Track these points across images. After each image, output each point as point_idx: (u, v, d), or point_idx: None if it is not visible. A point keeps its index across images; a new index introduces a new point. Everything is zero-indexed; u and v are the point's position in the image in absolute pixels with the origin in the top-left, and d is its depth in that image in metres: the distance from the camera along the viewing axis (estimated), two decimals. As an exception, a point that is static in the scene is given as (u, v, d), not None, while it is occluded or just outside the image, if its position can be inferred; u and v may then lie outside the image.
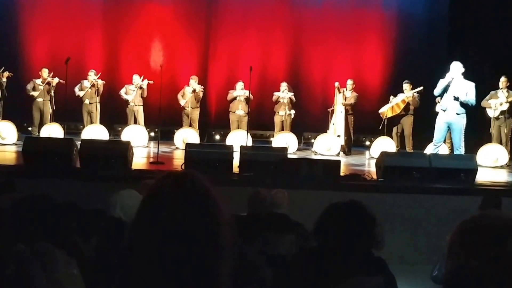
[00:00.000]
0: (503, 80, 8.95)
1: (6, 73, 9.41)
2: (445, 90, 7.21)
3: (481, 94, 9.18)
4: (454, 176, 6.47)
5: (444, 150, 8.45)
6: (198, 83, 10.13)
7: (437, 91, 7.34)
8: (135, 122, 9.92)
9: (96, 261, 2.28)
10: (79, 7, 11.12)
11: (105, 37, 11.25)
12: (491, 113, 9.00)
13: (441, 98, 7.42)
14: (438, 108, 7.85)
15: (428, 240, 5.67)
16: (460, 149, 7.34)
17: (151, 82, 9.78)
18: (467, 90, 7.17)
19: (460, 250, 1.19)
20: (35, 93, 9.60)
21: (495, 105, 8.93)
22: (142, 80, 9.86)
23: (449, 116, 7.29)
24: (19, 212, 1.99)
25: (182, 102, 9.98)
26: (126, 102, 9.93)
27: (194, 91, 9.93)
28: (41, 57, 10.79)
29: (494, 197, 4.63)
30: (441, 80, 7.33)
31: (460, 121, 7.26)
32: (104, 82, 9.97)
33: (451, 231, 1.24)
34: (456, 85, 7.17)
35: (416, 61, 10.70)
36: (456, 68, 7.21)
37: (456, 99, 7.17)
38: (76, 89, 9.81)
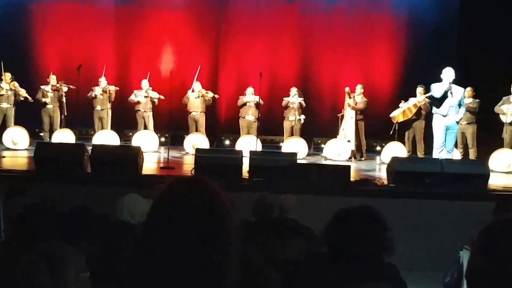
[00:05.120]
0: (515, 85, 8.88)
1: (15, 83, 9.50)
2: (445, 95, 7.35)
3: (492, 100, 9.14)
4: (466, 182, 6.41)
5: (455, 155, 8.41)
6: (209, 89, 10.19)
7: (438, 95, 7.42)
8: (145, 127, 9.97)
9: (105, 263, 2.29)
10: (91, 14, 11.22)
11: (116, 44, 11.34)
12: (504, 118, 8.93)
13: (439, 103, 7.48)
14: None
15: (440, 246, 5.60)
16: (452, 153, 7.64)
17: (162, 97, 9.80)
18: (461, 96, 7.55)
19: (487, 250, 1.22)
20: (47, 100, 9.68)
21: (507, 110, 8.87)
22: (151, 87, 9.94)
23: (449, 120, 7.44)
24: (29, 217, 2.01)
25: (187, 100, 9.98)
26: (136, 108, 9.97)
27: (202, 96, 9.95)
28: (53, 64, 10.89)
29: (508, 203, 4.58)
30: (435, 84, 7.50)
31: (456, 126, 7.64)
32: (118, 89, 10.03)
33: (471, 233, 1.30)
34: (454, 91, 7.41)
35: (426, 66, 10.64)
36: (451, 73, 7.38)
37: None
38: (90, 94, 9.92)
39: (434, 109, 7.60)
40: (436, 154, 7.56)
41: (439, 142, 7.51)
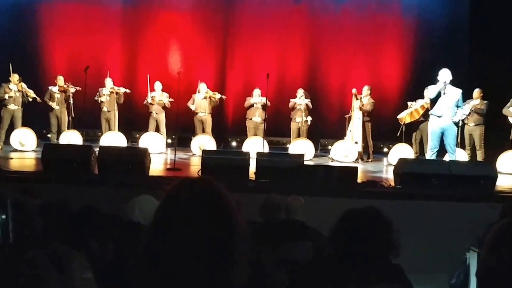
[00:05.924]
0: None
1: (23, 84, 9.53)
2: (438, 95, 7.37)
3: (502, 101, 9.08)
4: (474, 183, 6.38)
5: (463, 156, 8.37)
6: (216, 91, 10.20)
7: (432, 95, 7.48)
8: (157, 129, 9.97)
9: (114, 264, 2.30)
10: (98, 15, 11.27)
11: (124, 45, 11.38)
12: (512, 120, 8.89)
13: (432, 104, 7.55)
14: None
15: (447, 247, 5.58)
16: (455, 154, 7.59)
17: (172, 100, 9.81)
18: (458, 97, 7.49)
19: (500, 249, 1.23)
20: (53, 104, 9.72)
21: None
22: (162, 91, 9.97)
23: (444, 121, 7.43)
24: (38, 218, 2.02)
25: (192, 107, 10.00)
26: (149, 110, 9.97)
27: (209, 97, 9.95)
28: (61, 65, 10.96)
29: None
30: (431, 86, 7.55)
31: (453, 127, 7.59)
32: (129, 91, 10.01)
33: (478, 235, 1.32)
34: (449, 92, 7.40)
35: (434, 67, 10.59)
36: (447, 75, 7.38)
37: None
38: (97, 98, 9.93)
39: (430, 110, 7.64)
40: (428, 156, 7.59)
41: (432, 145, 7.53)
